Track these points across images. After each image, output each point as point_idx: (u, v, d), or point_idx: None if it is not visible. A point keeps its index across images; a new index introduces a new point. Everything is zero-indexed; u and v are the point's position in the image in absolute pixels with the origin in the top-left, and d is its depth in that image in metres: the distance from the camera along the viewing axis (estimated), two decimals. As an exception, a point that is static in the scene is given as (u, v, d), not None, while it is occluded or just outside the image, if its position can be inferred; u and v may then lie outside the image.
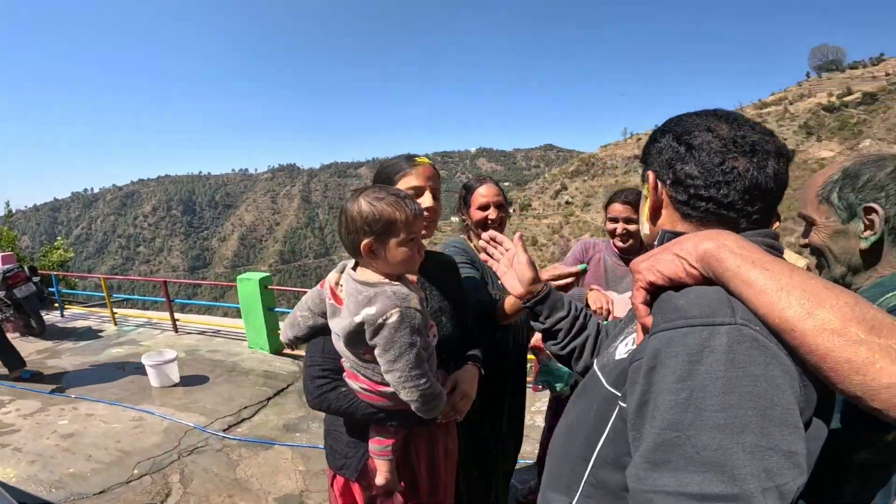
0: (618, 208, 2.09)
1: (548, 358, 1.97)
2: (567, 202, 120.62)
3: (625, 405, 0.66)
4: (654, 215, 0.80)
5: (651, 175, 0.79)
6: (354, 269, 1.17)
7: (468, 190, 1.87)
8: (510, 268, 1.21)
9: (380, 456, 1.24)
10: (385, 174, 1.35)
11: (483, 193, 1.82)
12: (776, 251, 0.69)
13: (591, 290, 1.93)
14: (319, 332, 1.23)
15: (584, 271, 1.41)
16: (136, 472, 2.77)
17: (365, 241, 1.08)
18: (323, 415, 1.33)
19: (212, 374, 4.50)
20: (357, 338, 1.09)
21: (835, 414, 0.76)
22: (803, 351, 0.54)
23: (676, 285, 0.65)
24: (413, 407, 1.13)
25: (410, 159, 1.36)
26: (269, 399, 3.97)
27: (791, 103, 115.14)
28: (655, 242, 0.79)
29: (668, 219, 0.78)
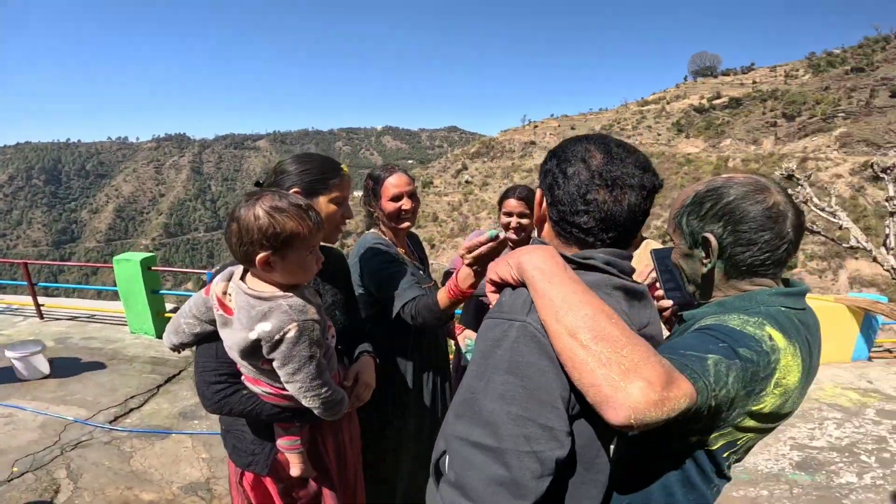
0: (512, 204, 2.18)
1: (465, 339, 2.14)
2: (467, 181, 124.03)
3: None
4: (539, 227, 0.96)
5: (539, 193, 0.92)
6: (243, 277, 1.11)
7: (376, 180, 1.76)
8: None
9: (290, 451, 1.26)
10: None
11: (395, 184, 1.72)
12: (594, 269, 0.85)
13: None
14: (206, 338, 1.17)
15: (496, 237, 1.31)
16: (15, 469, 2.56)
17: (261, 255, 1.02)
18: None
19: (89, 363, 4.15)
20: (253, 352, 1.07)
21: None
22: (555, 347, 0.71)
23: (510, 284, 0.84)
24: (316, 412, 1.15)
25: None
26: (159, 387, 3.78)
27: (668, 103, 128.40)
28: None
29: (548, 232, 0.93)
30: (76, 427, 3.05)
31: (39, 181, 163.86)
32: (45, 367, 3.81)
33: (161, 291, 5.11)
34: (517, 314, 0.76)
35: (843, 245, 11.30)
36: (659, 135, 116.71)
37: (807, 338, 0.91)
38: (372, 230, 1.81)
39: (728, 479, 0.99)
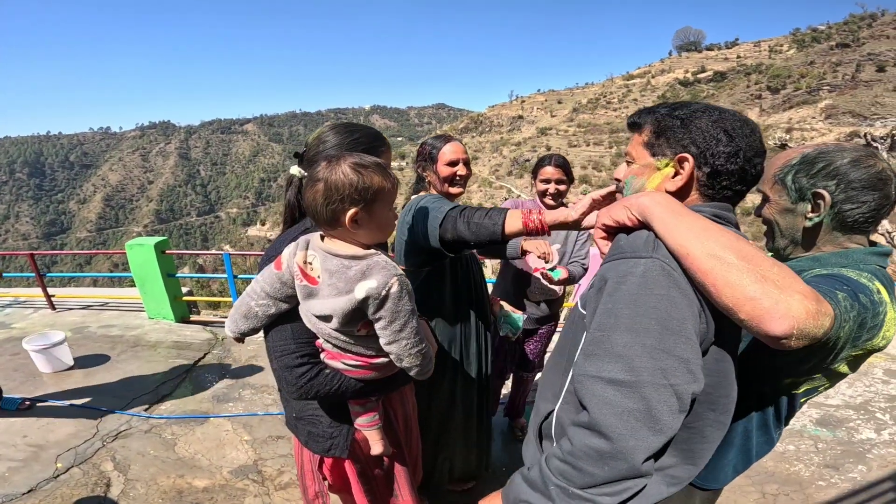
0: (550, 171, 2.22)
1: (500, 309, 2.16)
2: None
3: (586, 322, 0.86)
4: (680, 193, 0.89)
5: (690, 159, 0.86)
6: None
7: (433, 146, 1.81)
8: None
9: (369, 427, 1.24)
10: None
11: (452, 150, 1.78)
12: (721, 220, 0.86)
13: (525, 239, 2.05)
14: (277, 320, 1.12)
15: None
16: (59, 465, 2.52)
17: (352, 211, 1.00)
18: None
19: (112, 351, 4.10)
20: (356, 315, 1.04)
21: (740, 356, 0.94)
22: (693, 270, 0.71)
23: (624, 227, 0.87)
24: (412, 372, 1.12)
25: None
26: (187, 372, 3.76)
27: (653, 77, 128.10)
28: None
29: (691, 198, 0.90)
30: (113, 417, 3.02)
31: (23, 174, 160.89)
32: (68, 359, 3.75)
33: (177, 275, 5.03)
34: (641, 252, 0.77)
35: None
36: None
37: None
38: (422, 194, 1.80)
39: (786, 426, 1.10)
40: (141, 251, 4.75)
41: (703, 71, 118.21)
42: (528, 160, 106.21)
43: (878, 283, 0.93)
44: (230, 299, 4.91)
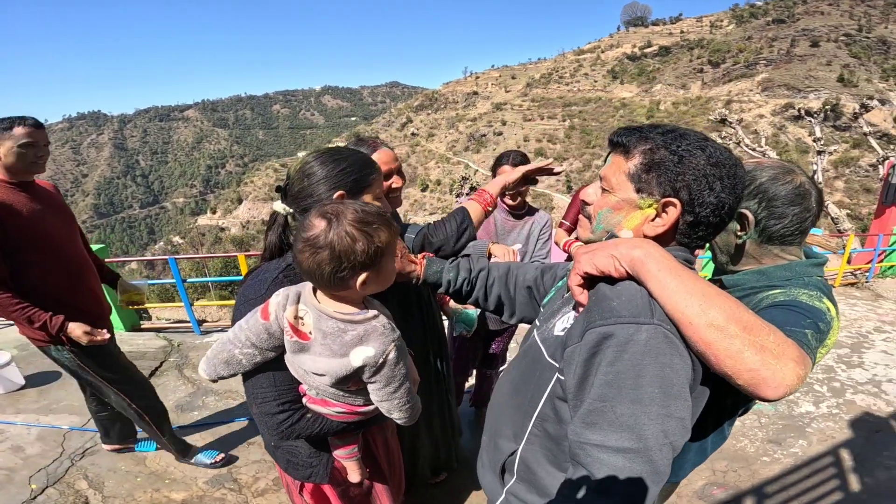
0: (508, 170, 2.05)
1: (452, 308, 2.21)
2: (413, 134, 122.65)
3: (563, 377, 0.83)
4: (661, 238, 0.86)
5: (677, 209, 0.82)
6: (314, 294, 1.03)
7: None
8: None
9: (348, 458, 1.25)
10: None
11: (383, 160, 1.56)
12: (689, 264, 0.86)
13: (492, 244, 2.09)
14: (263, 366, 1.06)
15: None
16: (34, 486, 2.44)
17: (363, 276, 0.95)
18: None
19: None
20: (350, 377, 1.01)
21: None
22: (694, 340, 0.73)
23: (606, 277, 0.82)
24: (400, 421, 1.12)
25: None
26: (144, 382, 3.68)
27: (603, 52, 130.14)
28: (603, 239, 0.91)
29: (664, 241, 0.87)
30: (76, 435, 2.91)
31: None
32: (18, 378, 3.55)
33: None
34: (641, 316, 0.74)
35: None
36: (595, 81, 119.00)
37: None
38: None
39: None
40: None
41: (650, 46, 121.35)
42: (483, 135, 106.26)
43: (827, 300, 1.00)
44: (181, 304, 4.75)
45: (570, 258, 2.71)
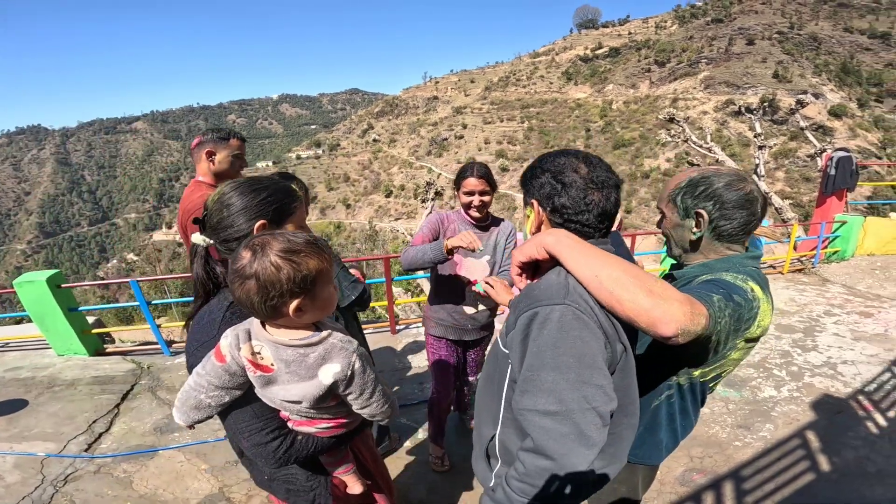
0: (473, 182, 2.16)
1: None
2: (374, 140, 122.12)
3: (512, 362, 1.01)
4: (538, 229, 1.14)
5: (535, 203, 1.11)
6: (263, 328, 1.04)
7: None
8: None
9: (345, 473, 1.30)
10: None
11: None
12: (606, 247, 1.06)
13: (447, 239, 2.04)
14: (236, 402, 1.08)
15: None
16: None
17: (294, 303, 0.97)
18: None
19: (28, 394, 3.75)
20: (327, 395, 1.06)
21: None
22: (600, 294, 0.90)
23: (535, 262, 1.04)
24: (382, 420, 1.18)
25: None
26: (117, 406, 3.56)
27: (557, 54, 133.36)
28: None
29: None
30: (54, 461, 2.82)
31: None
32: (-19, 409, 3.39)
33: (81, 308, 4.63)
34: (555, 298, 0.92)
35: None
36: (551, 83, 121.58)
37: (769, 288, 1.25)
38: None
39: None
40: (32, 288, 4.25)
41: (601, 47, 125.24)
42: (445, 139, 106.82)
43: (752, 283, 1.16)
44: (147, 326, 4.61)
45: None
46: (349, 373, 1.04)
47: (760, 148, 11.79)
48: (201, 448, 2.96)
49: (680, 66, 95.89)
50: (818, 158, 10.76)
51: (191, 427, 1.11)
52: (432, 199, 15.58)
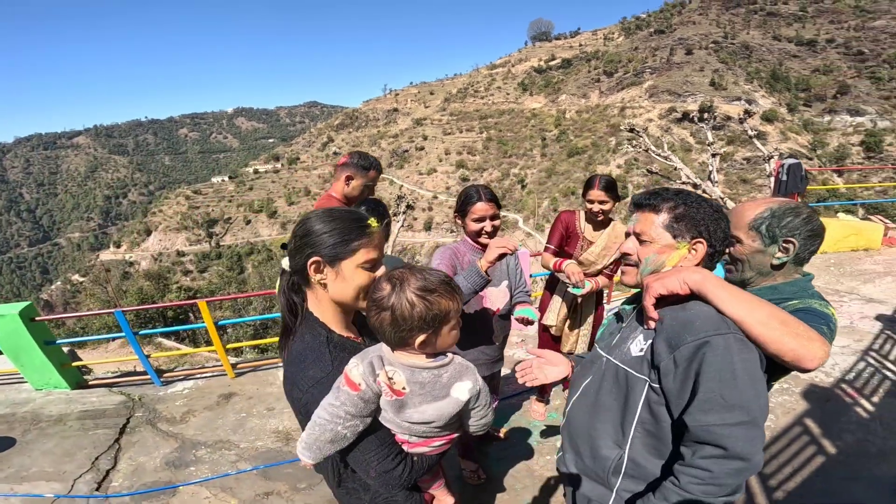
0: (483, 207, 2.07)
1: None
2: (335, 153, 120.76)
3: (655, 384, 1.10)
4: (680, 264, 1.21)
5: (704, 242, 1.17)
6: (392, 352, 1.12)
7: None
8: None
9: (438, 488, 1.37)
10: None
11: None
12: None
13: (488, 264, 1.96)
14: (360, 435, 1.12)
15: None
16: None
17: (421, 338, 1.06)
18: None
19: (13, 432, 3.55)
20: (458, 412, 1.14)
21: None
22: (750, 333, 1.04)
23: (675, 296, 1.11)
24: (483, 431, 1.26)
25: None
26: (117, 441, 3.43)
27: (513, 66, 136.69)
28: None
29: (687, 263, 1.21)
30: (63, 502, 2.69)
31: None
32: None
33: (58, 341, 4.40)
34: (721, 329, 1.04)
35: (677, 182, 13.65)
36: (508, 94, 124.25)
37: None
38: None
39: None
40: (4, 323, 4.00)
41: (554, 59, 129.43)
42: (406, 151, 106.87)
43: (831, 308, 1.33)
44: (135, 358, 4.43)
45: (552, 277, 2.96)
46: (479, 388, 1.14)
47: (714, 156, 12.57)
48: (224, 482, 2.90)
49: (626, 76, 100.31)
50: (767, 164, 11.59)
51: (315, 465, 1.12)
52: (403, 213, 15.61)
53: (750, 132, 13.09)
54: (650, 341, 1.14)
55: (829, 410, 3.19)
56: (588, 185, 2.59)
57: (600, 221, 2.66)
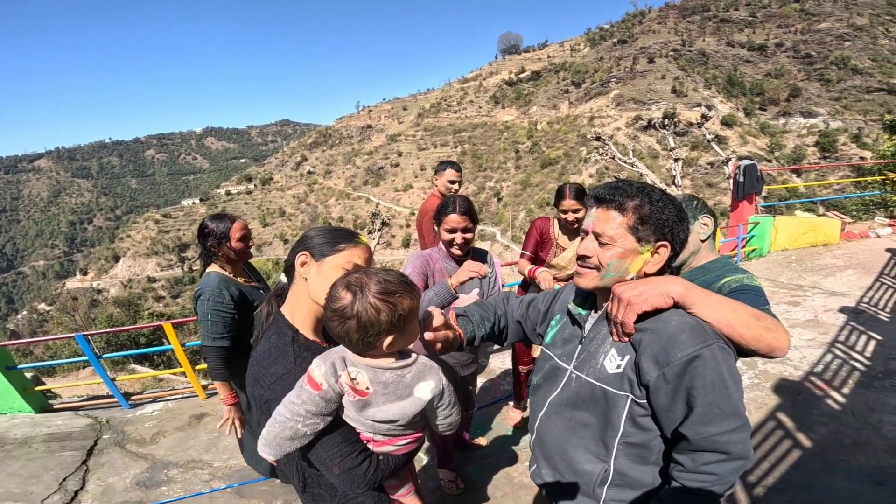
0: (455, 219, 2.09)
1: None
2: (309, 172, 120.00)
3: (641, 401, 1.07)
4: (656, 273, 1.14)
5: (668, 245, 1.11)
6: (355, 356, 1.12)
7: (221, 227, 2.24)
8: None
9: (407, 494, 1.34)
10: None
11: (239, 227, 2.26)
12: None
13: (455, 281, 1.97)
14: (324, 429, 1.12)
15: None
16: None
17: (388, 340, 1.06)
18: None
19: (-25, 459, 3.41)
20: (420, 411, 1.14)
21: None
22: (733, 336, 1.06)
23: (656, 309, 1.06)
24: (451, 431, 1.25)
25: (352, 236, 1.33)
26: (84, 462, 3.33)
27: (484, 79, 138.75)
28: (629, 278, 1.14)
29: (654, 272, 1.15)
30: None
31: None
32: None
33: (20, 366, 4.29)
34: (707, 339, 1.03)
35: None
36: (480, 107, 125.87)
37: None
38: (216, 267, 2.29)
39: None
40: None
41: (523, 71, 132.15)
42: (381, 167, 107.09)
43: (755, 278, 1.44)
44: (99, 381, 4.33)
45: (524, 283, 2.95)
46: (442, 387, 1.15)
47: (676, 160, 13.02)
48: (198, 500, 2.85)
49: (594, 86, 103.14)
50: (725, 167, 12.08)
51: (277, 462, 1.13)
52: (379, 230, 15.60)
53: (708, 136, 13.64)
54: (628, 357, 1.09)
55: (801, 404, 3.22)
56: (559, 194, 2.59)
57: (574, 230, 2.68)
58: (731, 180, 7.75)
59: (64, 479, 3.11)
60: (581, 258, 1.17)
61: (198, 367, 4.52)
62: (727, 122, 74.90)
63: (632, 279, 1.13)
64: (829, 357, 3.81)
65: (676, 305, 1.07)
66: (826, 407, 3.15)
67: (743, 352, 1.09)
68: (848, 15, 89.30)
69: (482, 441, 3.10)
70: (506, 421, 3.35)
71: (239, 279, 2.36)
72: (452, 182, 3.24)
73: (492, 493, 2.65)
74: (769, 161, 61.53)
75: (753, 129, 77.55)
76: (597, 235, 1.13)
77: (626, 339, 1.09)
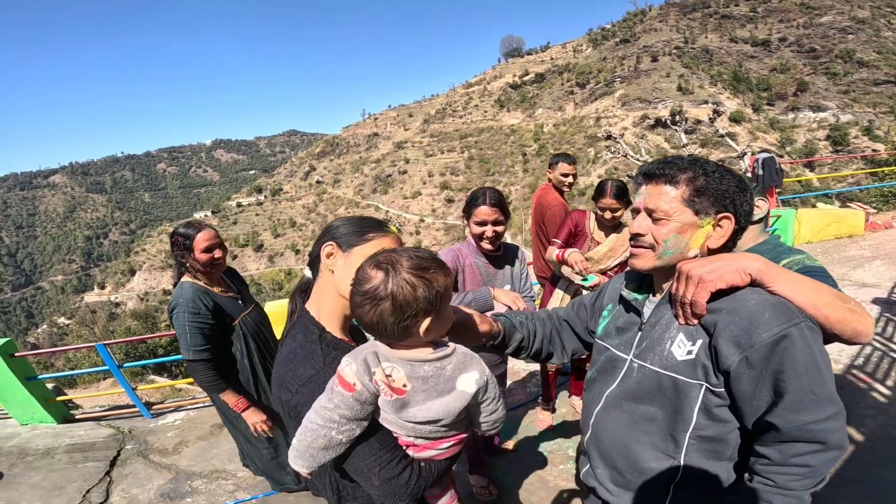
0: (485, 211, 2.04)
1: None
2: (318, 181, 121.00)
3: (719, 389, 0.98)
4: (721, 249, 1.05)
5: (732, 221, 1.03)
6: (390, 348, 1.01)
7: (186, 236, 2.19)
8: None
9: (451, 502, 1.24)
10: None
11: (205, 238, 2.18)
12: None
13: (494, 290, 1.98)
14: (359, 437, 1.01)
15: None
16: None
17: (426, 323, 0.95)
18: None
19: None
20: (465, 407, 1.03)
21: None
22: (818, 317, 0.96)
23: (731, 288, 0.97)
24: (496, 430, 1.14)
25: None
26: (108, 473, 3.30)
27: (489, 83, 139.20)
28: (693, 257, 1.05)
29: (722, 250, 1.07)
30: None
31: None
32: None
33: (40, 377, 4.28)
34: (794, 318, 0.93)
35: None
36: (485, 112, 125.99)
37: None
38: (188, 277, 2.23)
39: None
40: None
41: (527, 74, 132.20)
42: (389, 175, 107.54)
43: (813, 258, 1.37)
44: (121, 391, 4.33)
45: (553, 278, 2.91)
46: (486, 378, 1.03)
47: (689, 156, 12.80)
48: (224, 509, 2.79)
49: (598, 86, 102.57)
50: (741, 161, 11.89)
51: (310, 475, 1.03)
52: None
53: (721, 131, 13.46)
54: (700, 341, 0.99)
55: (846, 397, 3.15)
56: (600, 191, 2.52)
57: (612, 227, 2.62)
58: (750, 174, 7.63)
59: (87, 491, 3.08)
60: (634, 237, 1.09)
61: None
62: (735, 119, 74.07)
63: (695, 256, 1.04)
64: (868, 349, 3.70)
65: (752, 284, 0.97)
66: (872, 400, 3.07)
67: (824, 336, 0.99)
68: (849, 8, 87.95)
69: (510, 444, 3.01)
70: (534, 423, 3.26)
71: (215, 289, 2.23)
72: (566, 175, 3.20)
73: (526, 498, 2.57)
74: (781, 156, 60.88)
75: (763, 124, 76.65)
76: (649, 212, 1.05)
77: (696, 321, 0.99)
